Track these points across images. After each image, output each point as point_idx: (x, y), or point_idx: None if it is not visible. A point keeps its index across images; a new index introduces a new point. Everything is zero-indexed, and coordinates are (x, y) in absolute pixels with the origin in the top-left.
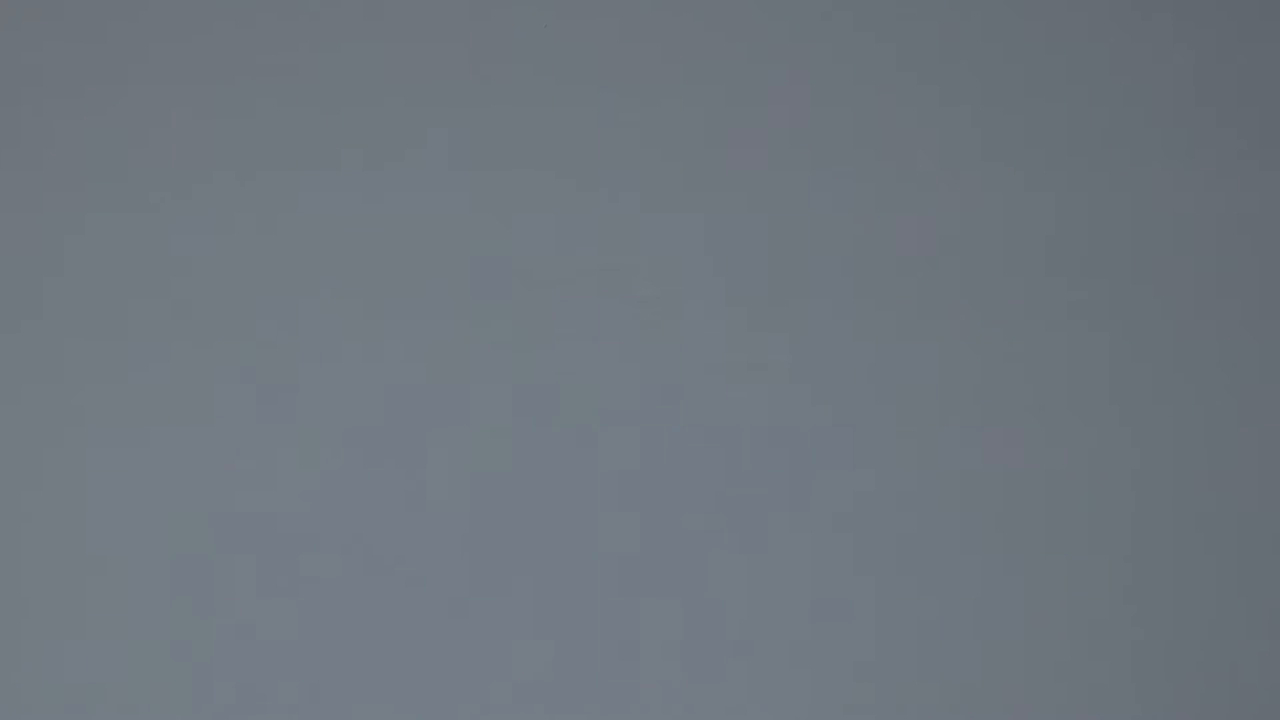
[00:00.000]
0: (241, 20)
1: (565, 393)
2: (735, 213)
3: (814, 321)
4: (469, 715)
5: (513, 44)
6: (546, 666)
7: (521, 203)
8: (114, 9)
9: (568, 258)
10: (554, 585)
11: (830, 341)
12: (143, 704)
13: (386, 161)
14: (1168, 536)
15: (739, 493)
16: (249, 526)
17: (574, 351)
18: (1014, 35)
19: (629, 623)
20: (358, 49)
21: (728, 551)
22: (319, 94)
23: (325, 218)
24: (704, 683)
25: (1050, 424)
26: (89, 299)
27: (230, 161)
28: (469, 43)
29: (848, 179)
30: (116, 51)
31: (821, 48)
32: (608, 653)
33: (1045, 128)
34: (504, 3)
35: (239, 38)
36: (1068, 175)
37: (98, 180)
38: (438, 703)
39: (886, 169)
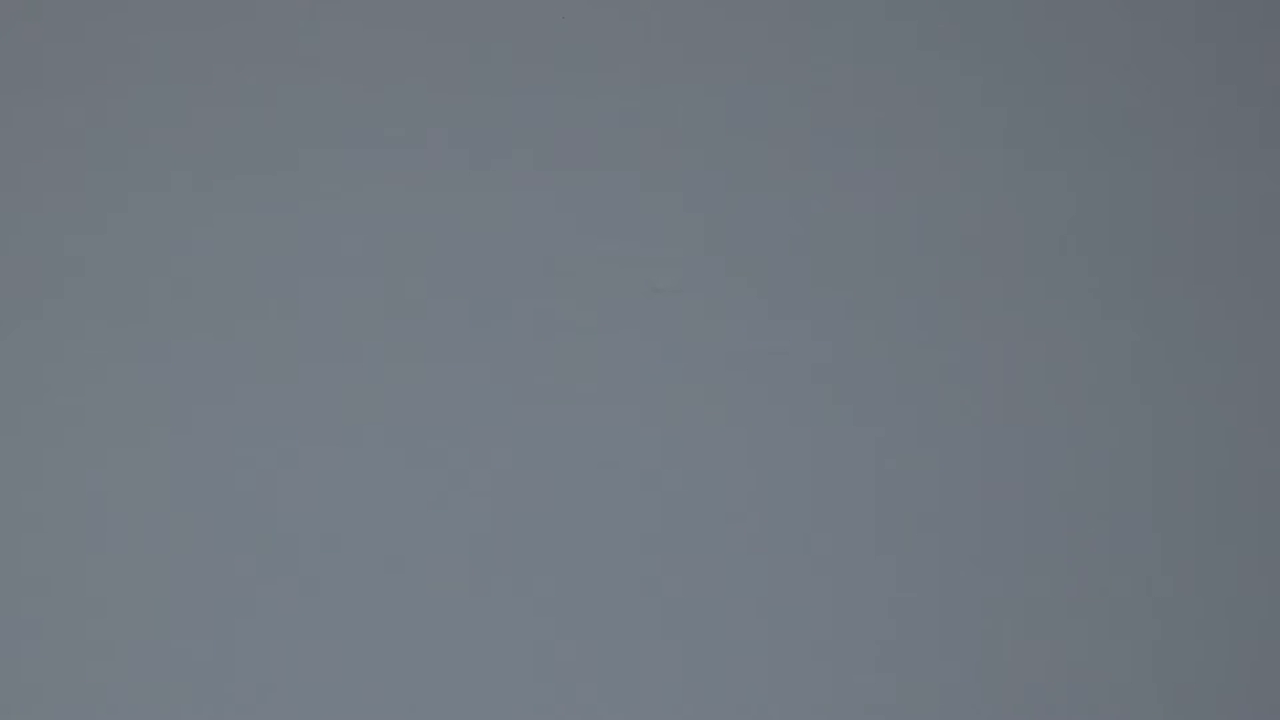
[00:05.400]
0: (244, 15)
1: (581, 384)
2: (754, 202)
3: (832, 310)
4: (477, 710)
5: (518, 35)
6: (564, 655)
7: (535, 196)
8: (117, 6)
9: (580, 249)
10: (568, 573)
11: (848, 330)
12: (149, 701)
13: (391, 157)
14: (1187, 525)
15: (755, 482)
16: (257, 523)
17: (588, 342)
18: (1034, 22)
19: (646, 613)
20: (361, 44)
21: (746, 540)
22: (321, 89)
23: (328, 215)
24: (722, 673)
25: (1071, 411)
26: (95, 296)
27: (233, 159)
28: (474, 34)
29: (866, 167)
30: (116, 49)
31: (838, 33)
32: (625, 641)
33: (1066, 117)
34: None
35: (239, 34)
36: (1089, 165)
37: (101, 178)
38: (446, 697)
39: (907, 159)
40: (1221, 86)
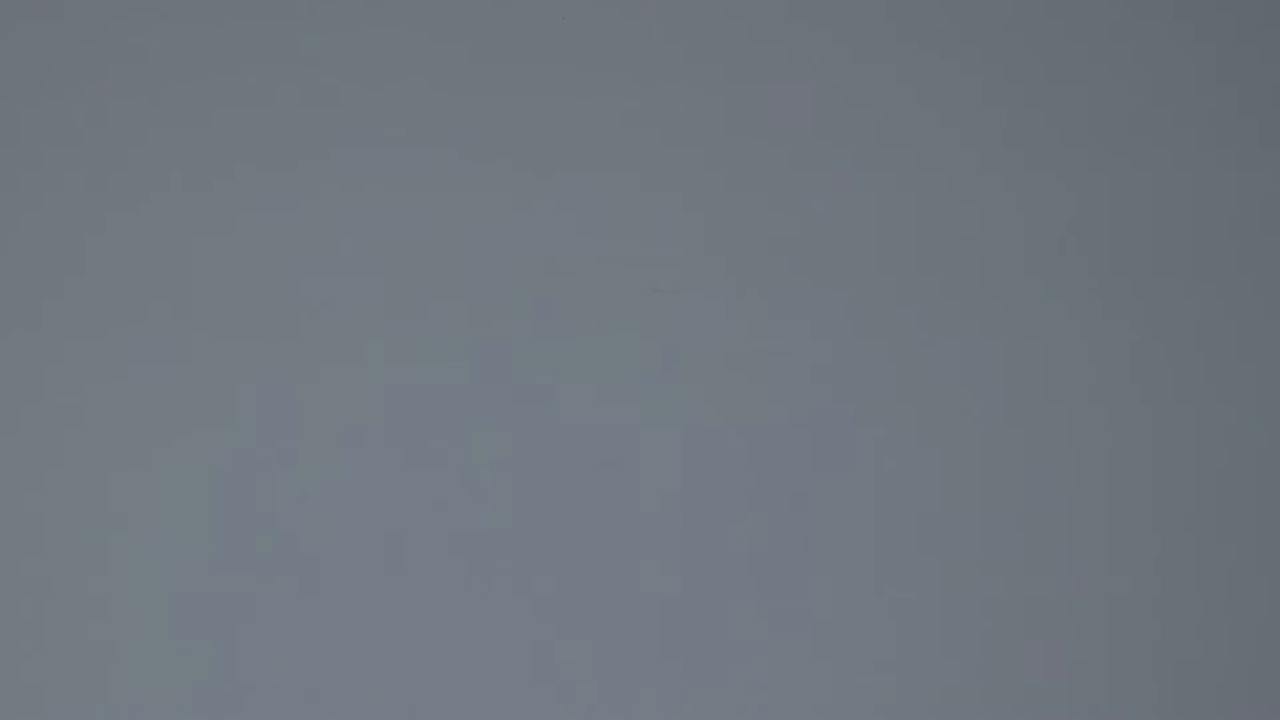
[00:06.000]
0: (244, 15)
1: (581, 384)
2: (754, 202)
3: (832, 310)
4: (477, 711)
5: (518, 35)
6: (564, 655)
7: (535, 196)
8: (117, 6)
9: (580, 249)
10: (568, 573)
11: (848, 330)
12: (150, 701)
13: (391, 157)
14: (1187, 525)
15: (755, 482)
16: (257, 523)
17: (588, 342)
18: (1034, 22)
19: (645, 613)
20: (361, 44)
21: (746, 540)
22: (321, 89)
23: (328, 215)
24: (722, 673)
25: (1071, 411)
26: (95, 296)
27: (233, 159)
28: (474, 34)
29: (866, 167)
30: (116, 49)
31: (838, 33)
32: (625, 641)
33: (1066, 117)
34: None
35: (239, 33)
36: (1089, 165)
37: (101, 178)
38: (446, 696)
39: (907, 159)
40: (1221, 86)
